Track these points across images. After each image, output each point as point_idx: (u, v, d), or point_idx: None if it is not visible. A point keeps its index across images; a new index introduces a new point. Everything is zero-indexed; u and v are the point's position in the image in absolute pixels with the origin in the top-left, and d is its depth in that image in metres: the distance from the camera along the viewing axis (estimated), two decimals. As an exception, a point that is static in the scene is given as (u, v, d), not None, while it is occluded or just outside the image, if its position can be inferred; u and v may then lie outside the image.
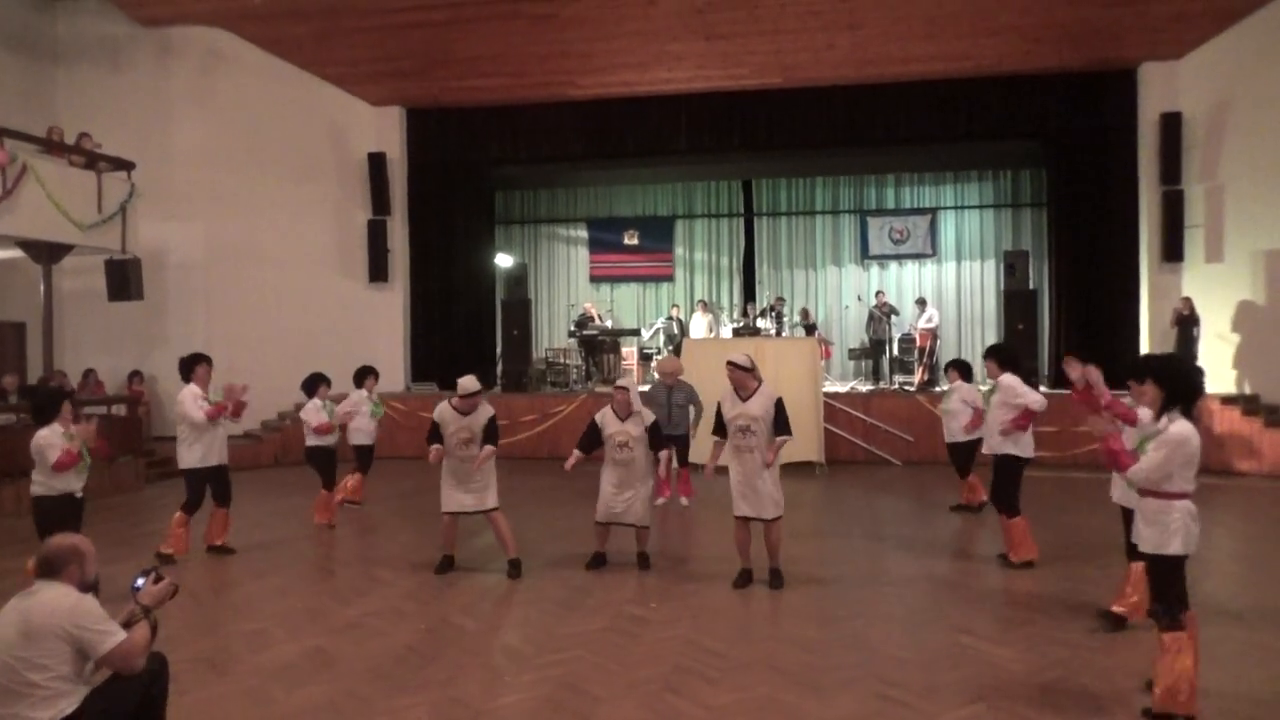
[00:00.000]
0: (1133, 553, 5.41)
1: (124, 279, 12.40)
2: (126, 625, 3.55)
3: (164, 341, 14.08)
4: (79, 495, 6.46)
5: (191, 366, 7.67)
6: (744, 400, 6.40)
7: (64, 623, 3.33)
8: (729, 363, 6.45)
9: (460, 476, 7.00)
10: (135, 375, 14.06)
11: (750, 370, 6.40)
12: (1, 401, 11.67)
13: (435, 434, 6.94)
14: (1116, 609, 5.64)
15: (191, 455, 7.64)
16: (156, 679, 3.71)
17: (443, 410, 6.97)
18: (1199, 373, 4.50)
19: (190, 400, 7.52)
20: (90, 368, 13.78)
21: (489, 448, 6.96)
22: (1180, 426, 4.26)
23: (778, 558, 6.70)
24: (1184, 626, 4.24)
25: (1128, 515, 5.41)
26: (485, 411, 6.98)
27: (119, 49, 14.43)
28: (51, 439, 6.31)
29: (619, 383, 7.11)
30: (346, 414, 9.48)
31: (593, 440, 7.03)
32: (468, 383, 6.88)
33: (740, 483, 6.51)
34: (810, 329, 16.29)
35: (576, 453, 7.01)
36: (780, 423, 6.35)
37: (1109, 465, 4.56)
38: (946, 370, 9.43)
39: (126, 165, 12.57)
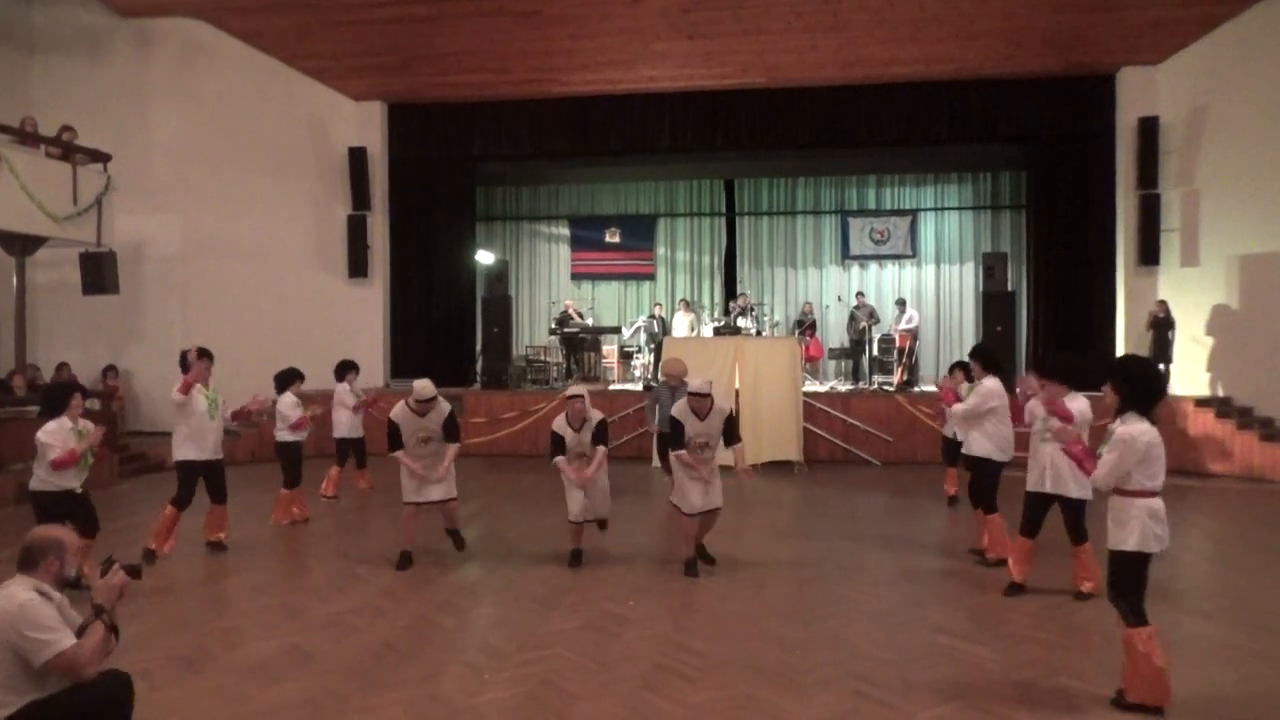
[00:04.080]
0: (1024, 529, 6.35)
1: (99, 272, 12.24)
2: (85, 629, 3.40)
3: (139, 336, 13.94)
4: (79, 490, 6.38)
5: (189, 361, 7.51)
6: (702, 420, 6.84)
7: (4, 628, 3.21)
8: (690, 393, 6.87)
9: (425, 469, 7.10)
10: (110, 370, 13.89)
11: (709, 395, 6.87)
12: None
13: (396, 438, 7.02)
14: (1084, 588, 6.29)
15: (184, 447, 7.50)
16: (112, 704, 3.43)
17: (399, 412, 7.06)
18: (1157, 376, 4.63)
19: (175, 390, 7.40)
20: (63, 361, 13.58)
21: (452, 449, 7.08)
22: (1128, 427, 4.35)
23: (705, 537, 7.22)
24: (1146, 622, 4.33)
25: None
26: (442, 409, 7.06)
27: (97, 40, 14.25)
28: (56, 435, 6.21)
29: (572, 392, 7.11)
30: (318, 412, 9.60)
31: (559, 449, 7.09)
32: (423, 387, 6.93)
33: (698, 485, 6.88)
34: (809, 326, 16.34)
35: (560, 460, 7.06)
36: (729, 434, 6.87)
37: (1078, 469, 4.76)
38: (952, 373, 9.31)
39: (103, 157, 12.42)
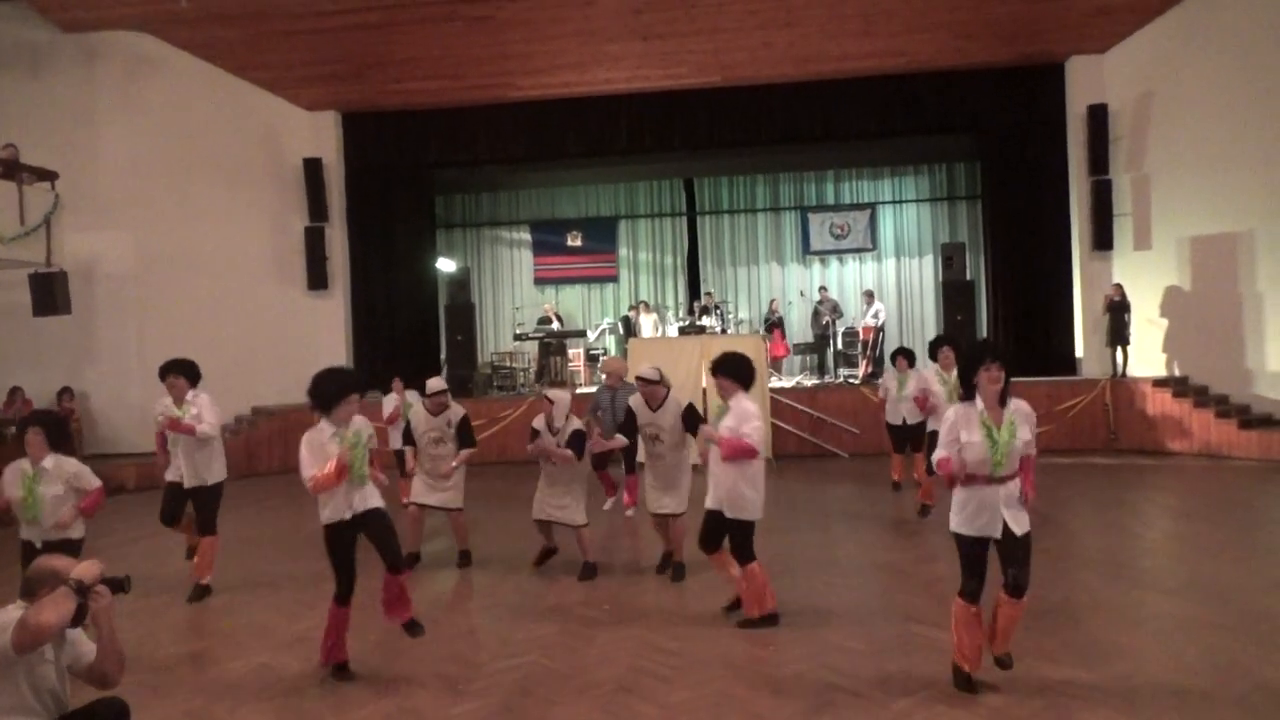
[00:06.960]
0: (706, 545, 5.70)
1: (50, 293, 11.96)
2: None
3: (95, 356, 13.67)
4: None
5: (164, 375, 7.03)
6: (654, 410, 6.61)
7: None
8: (637, 377, 6.73)
9: (431, 473, 7.23)
10: (65, 392, 13.61)
11: (659, 382, 6.64)
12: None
13: (409, 434, 7.31)
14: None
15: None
16: None
17: (415, 411, 7.31)
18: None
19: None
20: (17, 385, 13.29)
21: (465, 451, 7.14)
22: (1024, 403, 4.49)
23: (682, 551, 6.89)
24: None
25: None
26: (456, 412, 7.18)
27: (39, 55, 13.94)
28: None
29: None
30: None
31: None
32: (434, 382, 7.19)
33: (654, 485, 6.71)
34: (774, 324, 16.42)
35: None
36: (691, 424, 6.49)
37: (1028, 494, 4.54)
38: (894, 359, 9.54)
39: (50, 175, 12.15)
